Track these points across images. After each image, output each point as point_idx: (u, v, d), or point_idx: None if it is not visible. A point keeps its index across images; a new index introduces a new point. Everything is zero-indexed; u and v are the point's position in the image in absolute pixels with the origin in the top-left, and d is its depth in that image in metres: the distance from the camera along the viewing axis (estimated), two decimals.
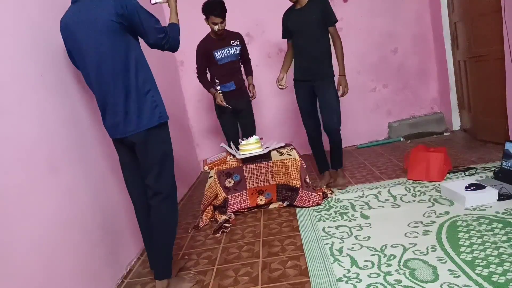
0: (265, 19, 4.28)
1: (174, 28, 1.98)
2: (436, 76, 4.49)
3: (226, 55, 3.27)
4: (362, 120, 4.55)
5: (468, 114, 4.07)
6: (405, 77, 4.49)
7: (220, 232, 2.65)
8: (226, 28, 3.25)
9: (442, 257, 1.86)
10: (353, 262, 1.97)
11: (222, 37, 3.24)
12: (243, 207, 2.95)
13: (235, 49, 3.30)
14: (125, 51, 1.81)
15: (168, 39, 1.89)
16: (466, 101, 4.05)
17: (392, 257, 1.95)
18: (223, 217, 2.79)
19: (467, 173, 2.93)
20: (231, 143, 3.22)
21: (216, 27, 3.12)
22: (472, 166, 3.02)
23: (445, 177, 2.92)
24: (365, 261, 1.96)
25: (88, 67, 1.82)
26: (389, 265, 1.88)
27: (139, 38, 1.91)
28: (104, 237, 2.12)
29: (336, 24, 3.08)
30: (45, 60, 1.87)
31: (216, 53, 3.24)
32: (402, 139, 4.41)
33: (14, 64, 1.64)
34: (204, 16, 3.16)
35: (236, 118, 3.45)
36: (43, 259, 1.58)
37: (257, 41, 4.40)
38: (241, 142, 2.99)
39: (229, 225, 2.72)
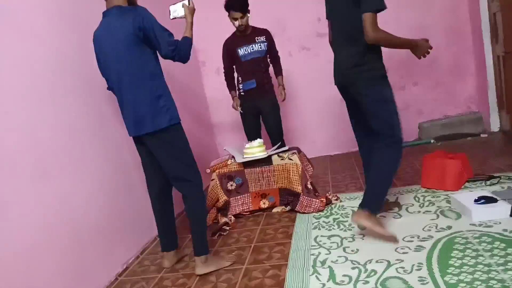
0: (286, 17, 4.20)
1: (186, 41, 2.11)
2: (474, 72, 4.13)
3: (249, 51, 3.23)
4: None
5: (507, 114, 3.71)
6: (438, 73, 4.18)
7: (217, 235, 2.67)
8: (252, 25, 3.26)
9: (425, 278, 1.72)
10: (331, 275, 1.89)
11: (245, 33, 3.21)
12: (246, 210, 2.94)
13: (260, 45, 3.24)
14: (141, 60, 2.03)
15: (178, 51, 2.04)
16: (507, 100, 3.69)
17: (372, 273, 1.84)
18: (224, 219, 2.81)
19: (488, 182, 2.68)
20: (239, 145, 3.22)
21: (237, 23, 3.11)
22: (496, 174, 2.75)
23: (463, 186, 2.70)
24: (343, 275, 1.87)
25: (112, 73, 2.08)
26: (366, 282, 1.78)
27: None
28: (97, 237, 2.24)
29: None
30: (38, 65, 1.99)
31: (239, 50, 3.23)
32: (432, 141, 4.12)
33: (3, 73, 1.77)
34: (227, 13, 3.14)
35: (259, 119, 3.41)
36: (23, 261, 1.70)
37: (278, 39, 4.32)
38: (245, 145, 2.98)
39: (228, 228, 2.73)
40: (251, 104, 3.28)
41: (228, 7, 3.08)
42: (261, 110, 3.31)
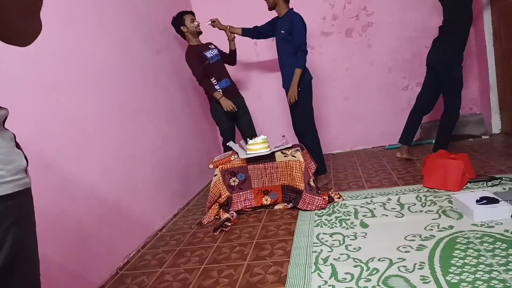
0: None
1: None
2: (476, 74, 4.13)
3: (213, 54, 3.41)
4: (392, 119, 4.33)
5: (509, 116, 3.72)
6: None
7: (219, 230, 2.68)
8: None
9: (427, 277, 1.73)
10: (334, 273, 1.90)
11: (199, 35, 3.46)
12: (248, 206, 2.95)
13: (215, 50, 3.47)
14: None
15: None
16: (509, 102, 3.70)
17: (374, 271, 1.85)
18: (226, 215, 2.82)
19: (490, 183, 2.69)
20: (241, 141, 3.23)
21: (196, 23, 3.37)
22: (497, 175, 2.76)
23: (465, 187, 2.70)
24: (345, 273, 1.88)
25: None
26: (368, 280, 1.79)
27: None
28: (99, 230, 2.24)
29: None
30: (45, 57, 2.00)
31: (206, 53, 3.37)
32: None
33: (11, 65, 1.77)
34: (179, 25, 3.38)
35: (234, 119, 3.48)
36: None
37: None
38: (248, 141, 2.98)
39: (229, 224, 2.74)
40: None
41: (185, 13, 3.41)
42: (237, 107, 3.39)
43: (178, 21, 3.36)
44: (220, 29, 3.57)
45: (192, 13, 3.44)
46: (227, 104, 3.24)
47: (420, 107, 3.54)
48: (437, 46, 3.30)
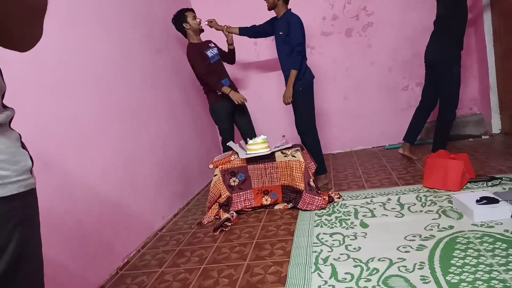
0: None
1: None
2: (476, 74, 4.13)
3: (214, 54, 3.42)
4: (392, 120, 4.34)
5: (509, 116, 3.72)
6: None
7: (219, 230, 2.68)
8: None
9: (427, 277, 1.73)
10: (334, 273, 1.90)
11: (200, 33, 3.46)
12: (248, 206, 2.95)
13: (215, 49, 3.47)
14: None
15: None
16: (509, 102, 3.70)
17: (374, 271, 1.85)
18: (226, 215, 2.82)
19: (490, 183, 2.69)
20: (241, 141, 3.23)
21: (198, 20, 3.37)
22: (497, 175, 2.76)
23: (465, 187, 2.70)
24: (345, 273, 1.88)
25: None
26: (368, 280, 1.79)
27: None
28: (99, 230, 2.24)
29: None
30: (44, 58, 2.00)
31: (207, 53, 3.37)
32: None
33: (11, 65, 1.77)
34: (181, 22, 3.36)
35: (233, 120, 3.50)
36: None
37: None
38: (249, 141, 2.99)
39: (229, 224, 2.74)
40: (228, 103, 3.33)
41: (187, 10, 3.39)
42: (235, 108, 3.39)
43: (180, 18, 3.36)
44: (217, 29, 3.57)
45: (193, 10, 3.45)
46: (237, 97, 3.25)
47: (423, 105, 3.54)
48: (434, 42, 3.30)
